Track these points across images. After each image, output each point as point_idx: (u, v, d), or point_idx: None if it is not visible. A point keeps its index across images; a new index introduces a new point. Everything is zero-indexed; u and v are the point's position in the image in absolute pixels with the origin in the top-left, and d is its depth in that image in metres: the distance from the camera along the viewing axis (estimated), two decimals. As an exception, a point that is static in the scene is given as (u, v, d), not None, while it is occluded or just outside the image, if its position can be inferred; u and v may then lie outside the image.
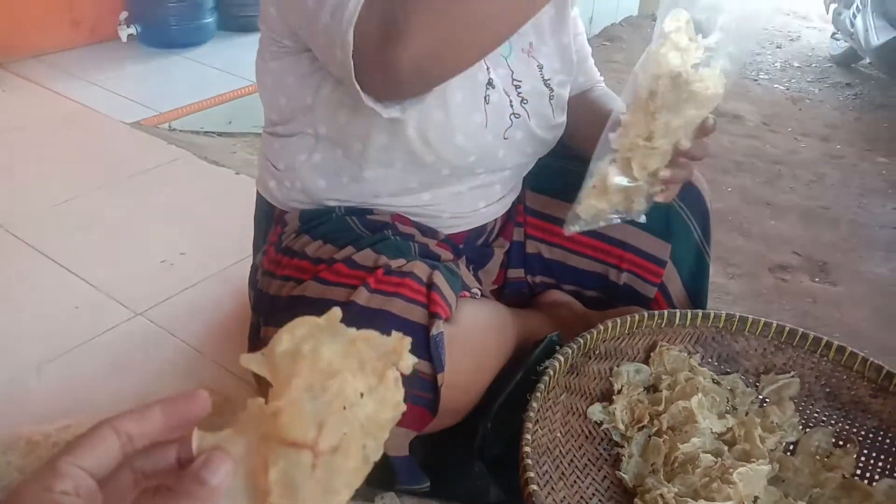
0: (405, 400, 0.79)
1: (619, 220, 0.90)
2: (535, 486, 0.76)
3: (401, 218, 0.95)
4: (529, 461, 0.78)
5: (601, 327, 0.96)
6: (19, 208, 1.53)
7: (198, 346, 1.17)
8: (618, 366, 0.99)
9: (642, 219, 0.89)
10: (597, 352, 0.98)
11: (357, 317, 0.79)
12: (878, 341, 1.65)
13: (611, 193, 0.87)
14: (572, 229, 0.91)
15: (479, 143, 0.91)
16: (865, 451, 0.92)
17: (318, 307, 0.83)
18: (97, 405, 1.03)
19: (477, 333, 0.87)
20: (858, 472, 0.91)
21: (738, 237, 2.03)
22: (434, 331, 0.79)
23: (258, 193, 1.05)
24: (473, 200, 1.00)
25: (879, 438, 0.92)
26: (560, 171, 1.07)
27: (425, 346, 0.79)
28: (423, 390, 0.80)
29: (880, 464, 0.91)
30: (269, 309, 0.92)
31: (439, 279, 0.83)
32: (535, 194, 1.10)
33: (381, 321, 0.79)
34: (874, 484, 0.89)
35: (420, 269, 0.84)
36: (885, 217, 2.23)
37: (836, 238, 2.08)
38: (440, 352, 0.79)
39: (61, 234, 1.46)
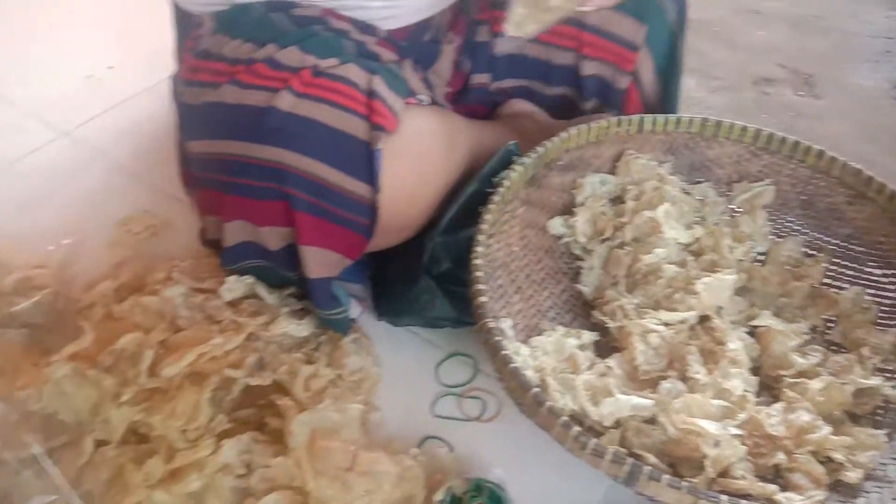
0: (336, 222, 0.72)
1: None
2: (483, 298, 0.71)
3: (333, 13, 0.82)
4: (480, 273, 0.73)
5: (564, 135, 0.87)
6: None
7: (131, 168, 1.07)
8: (582, 177, 0.92)
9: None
10: (560, 162, 0.90)
11: (281, 125, 0.69)
12: (859, 153, 1.58)
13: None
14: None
15: None
16: (836, 260, 0.88)
17: (236, 114, 0.74)
18: (22, 231, 0.95)
19: (421, 144, 0.77)
20: (827, 281, 0.88)
21: (722, 49, 1.90)
22: (377, 145, 0.70)
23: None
24: None
25: (851, 247, 0.88)
26: None
27: (365, 164, 0.70)
28: (359, 214, 0.72)
29: (850, 272, 0.87)
30: (188, 121, 0.83)
31: (380, 85, 0.73)
32: None
33: (310, 132, 0.69)
34: (842, 293, 0.85)
35: (355, 73, 0.73)
36: (878, 26, 2.09)
37: (824, 48, 1.95)
38: (377, 171, 0.70)
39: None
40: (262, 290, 0.80)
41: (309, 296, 0.77)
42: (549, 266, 0.89)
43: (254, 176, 0.70)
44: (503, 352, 0.67)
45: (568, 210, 0.92)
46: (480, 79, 1.00)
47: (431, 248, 0.82)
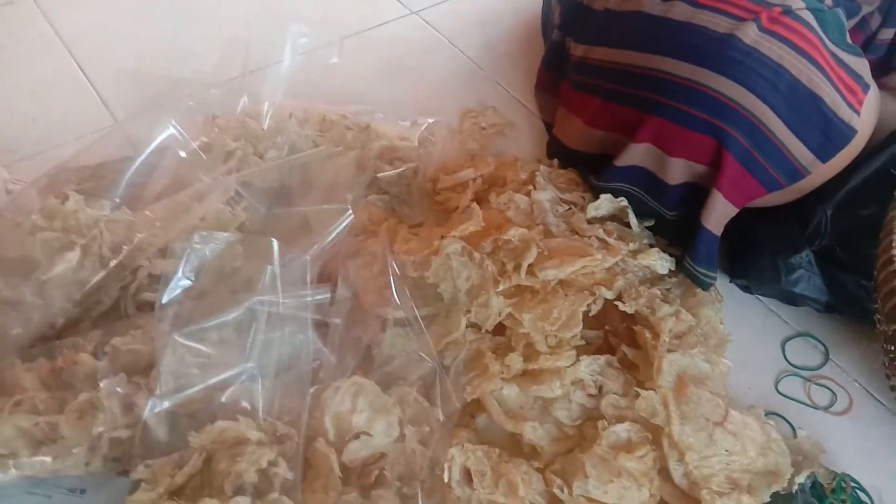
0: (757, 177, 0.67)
1: None
2: (905, 294, 0.64)
3: None
4: (899, 264, 0.66)
5: None
6: None
7: (477, 60, 1.07)
8: None
9: None
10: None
11: (739, 59, 0.64)
12: None
13: None
14: None
15: None
16: None
17: (687, 34, 0.68)
18: (378, 99, 0.98)
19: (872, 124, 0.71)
20: None
21: None
22: (853, 124, 0.65)
23: None
24: None
25: None
26: None
27: (821, 133, 0.65)
28: (783, 175, 0.67)
29: None
30: (582, 22, 0.80)
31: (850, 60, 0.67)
32: None
33: (773, 76, 0.64)
34: None
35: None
36: None
37: None
38: (839, 148, 0.65)
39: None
40: (632, 217, 0.77)
41: (689, 243, 0.73)
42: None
43: (691, 102, 0.66)
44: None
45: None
46: (887, 34, 0.89)
47: (819, 220, 0.75)
